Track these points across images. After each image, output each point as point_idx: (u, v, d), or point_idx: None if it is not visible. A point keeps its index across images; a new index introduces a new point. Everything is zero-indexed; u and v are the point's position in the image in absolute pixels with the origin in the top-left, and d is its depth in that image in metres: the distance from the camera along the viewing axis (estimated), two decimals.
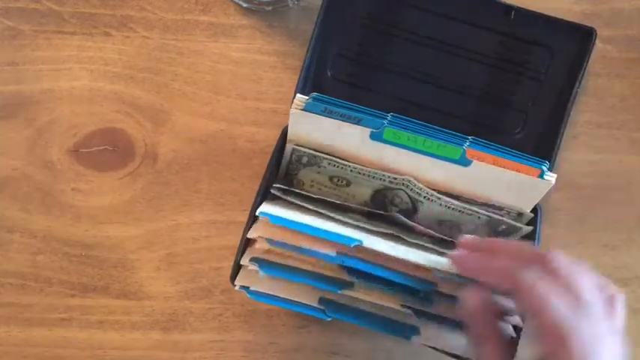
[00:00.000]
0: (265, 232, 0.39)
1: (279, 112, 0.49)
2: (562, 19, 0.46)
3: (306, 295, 0.39)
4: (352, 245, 0.37)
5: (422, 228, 0.42)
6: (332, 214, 0.41)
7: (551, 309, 0.31)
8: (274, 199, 0.42)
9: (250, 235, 0.39)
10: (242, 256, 0.40)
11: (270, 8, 0.48)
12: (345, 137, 0.41)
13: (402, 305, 0.38)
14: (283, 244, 0.38)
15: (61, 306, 0.48)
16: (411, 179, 0.42)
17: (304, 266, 0.39)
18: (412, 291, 0.38)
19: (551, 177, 0.39)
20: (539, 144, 0.46)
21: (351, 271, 0.38)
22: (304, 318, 0.48)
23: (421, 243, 0.40)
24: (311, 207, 0.41)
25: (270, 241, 0.38)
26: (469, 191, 0.42)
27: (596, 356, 0.31)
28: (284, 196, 0.42)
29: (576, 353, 0.31)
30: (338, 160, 0.42)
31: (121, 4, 0.49)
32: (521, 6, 0.46)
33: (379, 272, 0.37)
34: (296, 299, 0.39)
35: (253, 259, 0.39)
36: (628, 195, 0.49)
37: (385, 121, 0.39)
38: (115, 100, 0.48)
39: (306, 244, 0.38)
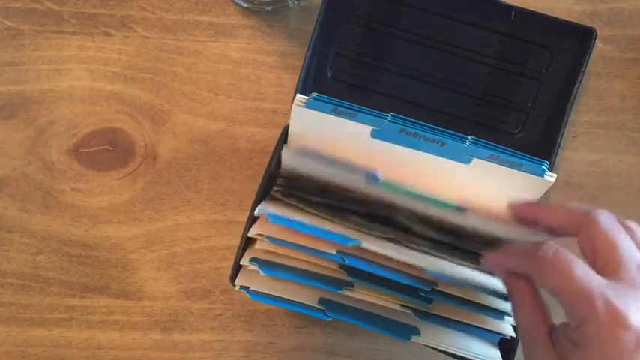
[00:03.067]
0: (265, 230, 0.39)
1: (279, 112, 0.49)
2: (562, 19, 0.46)
3: (306, 295, 0.39)
4: (351, 245, 0.37)
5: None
6: (331, 218, 0.41)
7: (573, 276, 0.29)
8: (274, 200, 0.42)
9: (251, 233, 0.39)
10: (242, 256, 0.40)
11: (270, 8, 0.48)
12: (347, 136, 0.41)
13: (401, 305, 0.38)
14: (283, 242, 0.38)
15: (61, 306, 0.48)
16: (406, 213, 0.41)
17: (304, 266, 0.39)
18: (412, 291, 0.38)
19: (550, 176, 0.39)
20: (539, 144, 0.46)
21: (350, 270, 0.38)
22: (304, 318, 0.48)
23: (421, 248, 0.40)
24: (311, 210, 0.41)
25: (270, 238, 0.38)
26: (469, 190, 0.42)
27: (633, 329, 0.28)
28: (284, 199, 0.42)
29: (606, 324, 0.28)
30: (322, 213, 0.41)
31: (121, 4, 0.49)
32: (521, 6, 0.46)
33: (379, 271, 0.37)
34: (296, 299, 0.39)
35: (253, 259, 0.39)
36: (628, 195, 0.49)
37: (387, 120, 0.39)
38: (115, 100, 0.48)
39: (305, 242, 0.38)
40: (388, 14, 0.47)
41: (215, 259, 0.48)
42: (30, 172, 0.48)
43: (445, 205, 0.39)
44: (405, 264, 0.37)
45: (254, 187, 0.43)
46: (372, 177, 0.39)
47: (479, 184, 0.41)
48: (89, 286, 0.48)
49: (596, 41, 0.45)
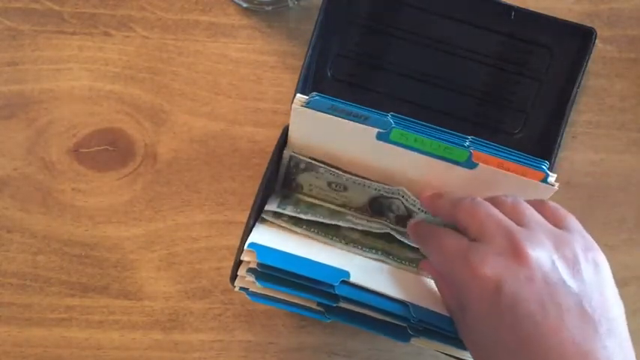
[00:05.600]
0: (247, 284, 0.39)
1: (279, 112, 0.49)
2: (562, 19, 0.46)
3: (304, 299, 0.39)
4: (337, 284, 0.37)
5: None
6: (323, 238, 0.42)
7: (485, 212, 0.35)
8: (264, 222, 0.43)
9: (244, 257, 0.39)
10: (242, 256, 0.40)
11: (270, 8, 0.48)
12: (348, 136, 0.40)
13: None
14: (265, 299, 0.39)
15: (61, 306, 0.48)
16: (405, 190, 0.42)
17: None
18: (401, 318, 0.38)
19: (554, 183, 0.39)
20: (539, 144, 0.46)
21: (336, 311, 0.39)
22: (304, 318, 0.48)
23: (415, 245, 0.41)
24: (302, 231, 0.42)
25: (258, 281, 0.39)
26: (473, 194, 0.42)
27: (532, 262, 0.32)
28: (275, 220, 0.42)
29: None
30: (333, 169, 0.42)
31: (121, 4, 0.49)
32: (521, 6, 0.46)
33: (365, 299, 0.38)
34: (295, 301, 0.39)
35: (250, 270, 0.39)
36: (628, 195, 0.49)
37: (393, 122, 0.39)
38: (115, 100, 0.48)
39: (290, 298, 0.39)
40: (388, 14, 0.47)
41: (215, 259, 0.48)
42: (30, 172, 0.48)
43: (455, 159, 0.39)
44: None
45: (254, 187, 0.43)
46: (382, 134, 0.39)
47: (483, 190, 0.41)
48: (89, 286, 0.48)
49: (596, 41, 0.45)
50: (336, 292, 0.37)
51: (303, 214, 0.43)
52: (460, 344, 0.37)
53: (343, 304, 0.38)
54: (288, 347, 0.48)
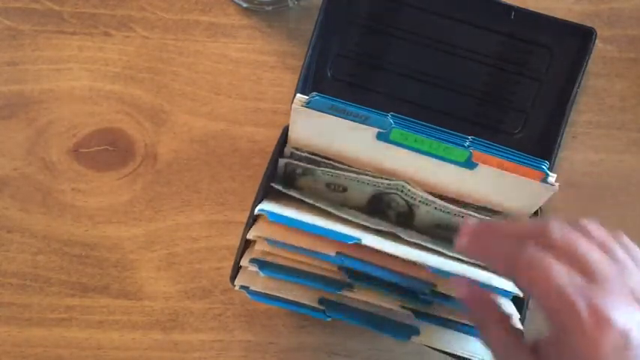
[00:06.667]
0: (265, 232, 0.39)
1: (279, 112, 0.49)
2: (562, 19, 0.46)
3: (305, 296, 0.39)
4: (351, 243, 0.37)
5: None
6: (332, 210, 0.41)
7: (552, 280, 0.28)
8: (275, 195, 0.42)
9: (250, 235, 0.39)
10: (242, 256, 0.40)
11: (270, 8, 0.48)
12: (349, 136, 0.40)
13: (401, 306, 0.38)
14: (283, 244, 0.38)
15: (61, 306, 0.48)
16: (405, 184, 0.42)
17: (304, 267, 0.39)
18: (411, 292, 0.38)
19: (554, 183, 0.39)
20: (539, 144, 0.46)
21: (350, 272, 0.38)
22: (304, 318, 0.48)
23: (421, 243, 0.40)
24: (311, 201, 0.41)
25: (269, 240, 0.38)
26: (473, 194, 0.42)
27: (617, 328, 0.27)
28: (285, 190, 0.42)
29: (589, 325, 0.27)
30: (330, 169, 0.42)
31: (121, 4, 0.49)
32: (521, 6, 0.46)
33: (378, 272, 0.37)
34: (296, 300, 0.39)
35: (253, 260, 0.39)
36: (628, 195, 0.49)
37: (393, 122, 0.39)
38: (115, 100, 0.48)
39: (305, 243, 0.38)
40: (388, 14, 0.47)
41: (215, 259, 0.48)
42: (30, 172, 0.48)
43: (455, 159, 0.39)
44: (405, 262, 0.37)
45: (254, 187, 0.43)
46: (382, 134, 0.39)
47: (483, 190, 0.41)
48: (89, 286, 0.48)
49: (596, 41, 0.45)
50: (346, 264, 0.37)
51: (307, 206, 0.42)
52: (464, 340, 0.37)
53: (346, 293, 0.38)
54: (288, 347, 0.48)
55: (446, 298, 0.38)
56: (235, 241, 0.41)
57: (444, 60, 0.47)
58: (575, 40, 0.46)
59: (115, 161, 0.48)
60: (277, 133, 0.44)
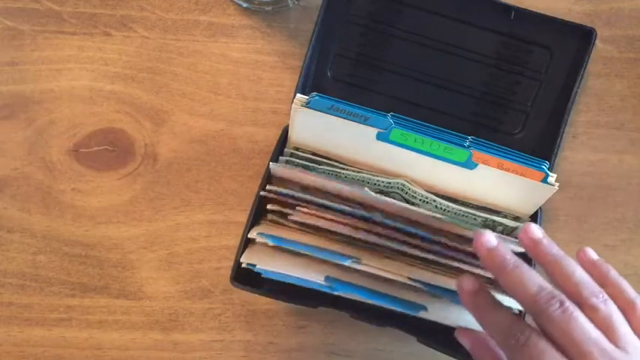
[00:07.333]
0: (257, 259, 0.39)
1: (279, 112, 0.49)
2: (562, 19, 0.46)
3: (312, 272, 0.38)
4: (347, 263, 0.37)
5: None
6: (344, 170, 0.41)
7: (583, 338, 0.30)
8: (268, 222, 0.43)
9: (251, 235, 0.39)
10: (242, 255, 0.40)
11: (270, 8, 0.48)
12: (349, 136, 0.40)
13: (409, 278, 0.38)
14: (288, 242, 0.38)
15: (61, 306, 0.48)
16: (405, 183, 0.42)
17: (313, 241, 0.39)
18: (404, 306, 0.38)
19: (554, 183, 0.39)
20: (539, 144, 0.46)
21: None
22: (304, 318, 0.48)
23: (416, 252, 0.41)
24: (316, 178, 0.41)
25: (273, 238, 0.38)
26: (473, 194, 0.42)
27: None
28: (280, 220, 0.42)
29: None
30: (330, 169, 0.42)
31: (121, 4, 0.49)
32: (521, 6, 0.46)
33: (368, 296, 0.38)
34: (303, 277, 0.38)
35: (261, 234, 0.38)
36: (628, 195, 0.49)
37: (393, 122, 0.39)
38: (115, 100, 0.48)
39: (296, 270, 0.38)
40: (388, 14, 0.47)
41: (215, 259, 0.48)
42: (30, 172, 0.48)
43: (455, 159, 0.39)
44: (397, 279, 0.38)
45: (254, 187, 0.43)
46: (382, 134, 0.39)
47: (483, 190, 0.41)
48: (89, 286, 0.48)
49: (596, 41, 0.45)
50: (335, 289, 0.37)
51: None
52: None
53: (354, 265, 0.38)
54: (288, 347, 0.48)
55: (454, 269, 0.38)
56: (235, 241, 0.41)
57: (444, 60, 0.47)
58: (575, 40, 0.46)
59: (115, 161, 0.48)
60: (277, 133, 0.44)
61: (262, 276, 0.39)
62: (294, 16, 0.49)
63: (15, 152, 0.48)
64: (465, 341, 0.37)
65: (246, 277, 0.41)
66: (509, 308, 0.35)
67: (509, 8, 0.46)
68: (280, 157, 0.43)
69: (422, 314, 0.38)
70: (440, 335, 0.41)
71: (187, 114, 0.49)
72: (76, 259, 0.48)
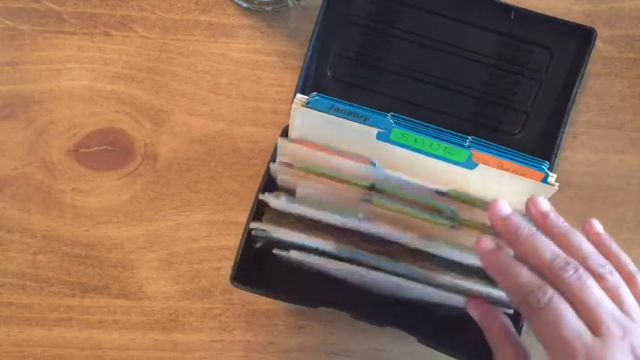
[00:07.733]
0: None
1: (279, 112, 0.49)
2: (562, 19, 0.46)
3: (323, 242, 0.38)
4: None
5: None
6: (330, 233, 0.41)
7: (562, 331, 0.30)
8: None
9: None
10: (242, 255, 0.40)
11: (270, 8, 0.48)
12: (349, 136, 0.40)
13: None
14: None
15: (61, 306, 0.48)
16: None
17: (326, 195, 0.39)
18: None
19: (554, 183, 0.39)
20: (539, 144, 0.46)
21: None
22: (304, 318, 0.48)
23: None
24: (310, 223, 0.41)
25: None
26: (473, 194, 0.42)
27: None
28: (278, 219, 0.41)
29: None
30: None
31: (121, 4, 0.49)
32: (521, 6, 0.46)
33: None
34: (314, 246, 0.38)
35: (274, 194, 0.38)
36: (628, 195, 0.49)
37: (393, 122, 0.39)
38: (115, 100, 0.48)
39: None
40: (388, 14, 0.47)
41: (215, 259, 0.48)
42: (30, 172, 0.48)
43: (455, 159, 0.39)
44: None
45: (254, 187, 0.43)
46: (382, 134, 0.39)
47: (483, 190, 0.41)
48: (89, 286, 0.48)
49: (596, 41, 0.45)
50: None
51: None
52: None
53: (366, 206, 0.38)
54: (288, 347, 0.48)
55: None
56: (235, 241, 0.41)
57: (444, 60, 0.47)
58: (575, 40, 0.46)
59: (115, 161, 0.48)
60: (277, 133, 0.44)
61: (267, 264, 0.39)
62: (294, 16, 0.49)
63: (15, 152, 0.48)
64: (473, 312, 0.37)
65: (246, 277, 0.41)
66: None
67: (509, 8, 0.46)
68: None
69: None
70: (440, 335, 0.41)
71: (187, 114, 0.49)
72: (76, 259, 0.48)
